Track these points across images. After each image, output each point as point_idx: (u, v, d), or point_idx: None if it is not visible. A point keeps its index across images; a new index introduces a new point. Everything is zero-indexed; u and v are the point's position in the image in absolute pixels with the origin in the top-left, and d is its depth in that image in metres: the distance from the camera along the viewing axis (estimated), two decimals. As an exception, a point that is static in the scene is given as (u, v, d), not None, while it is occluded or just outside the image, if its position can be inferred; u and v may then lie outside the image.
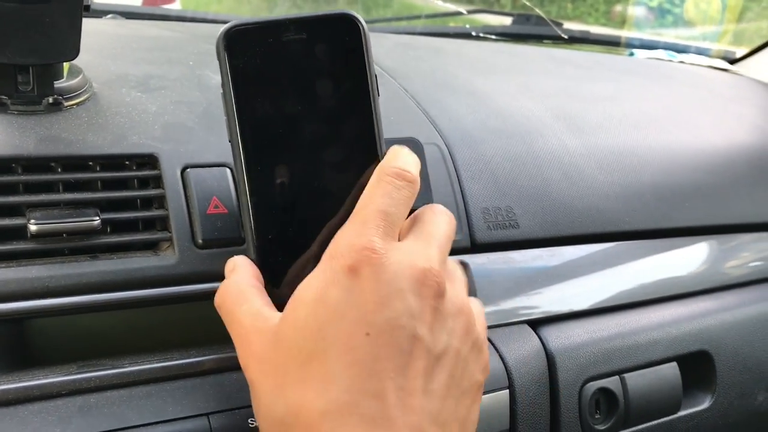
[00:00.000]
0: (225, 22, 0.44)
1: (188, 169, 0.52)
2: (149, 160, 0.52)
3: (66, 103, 0.52)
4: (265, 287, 0.41)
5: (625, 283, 0.66)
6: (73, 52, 0.48)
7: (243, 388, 0.45)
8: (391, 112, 0.65)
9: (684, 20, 1.48)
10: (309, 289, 0.37)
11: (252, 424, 0.44)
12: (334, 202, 0.41)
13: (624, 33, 1.22)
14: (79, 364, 0.46)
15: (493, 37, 1.13)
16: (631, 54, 1.17)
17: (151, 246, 0.50)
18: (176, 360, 0.46)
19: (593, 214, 0.66)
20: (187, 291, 0.49)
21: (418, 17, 1.17)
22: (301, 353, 0.35)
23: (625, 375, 0.61)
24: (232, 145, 0.42)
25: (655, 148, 0.75)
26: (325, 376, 0.35)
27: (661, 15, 1.68)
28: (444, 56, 0.89)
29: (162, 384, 0.45)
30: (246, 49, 0.41)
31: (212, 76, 0.65)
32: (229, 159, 0.54)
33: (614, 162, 0.71)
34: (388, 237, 0.37)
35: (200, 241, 0.49)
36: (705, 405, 0.66)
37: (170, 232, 0.50)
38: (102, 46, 0.67)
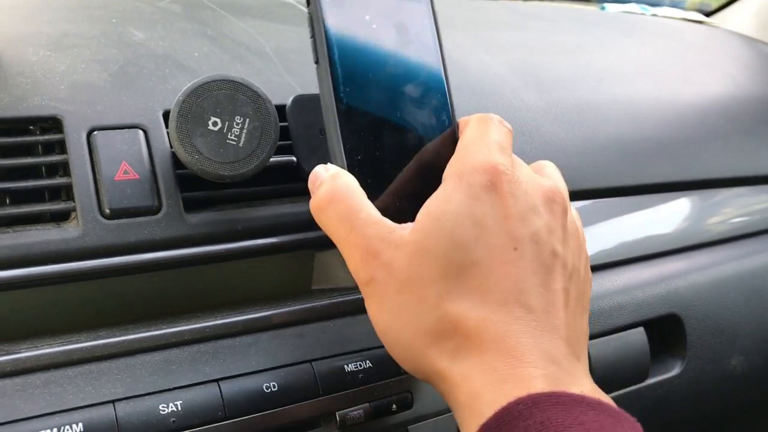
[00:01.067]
0: None
1: (95, 132, 0.47)
2: (53, 124, 0.47)
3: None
4: None
5: (589, 244, 0.62)
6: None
7: (172, 361, 0.40)
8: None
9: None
10: (448, 203, 0.37)
11: (163, 410, 0.40)
12: (417, 128, 0.44)
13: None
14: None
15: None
16: (603, 8, 1.12)
17: (57, 218, 0.45)
18: (79, 344, 0.42)
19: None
20: (93, 266, 0.44)
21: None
22: (451, 265, 0.35)
23: (589, 342, 0.56)
24: (319, 67, 0.42)
25: (621, 102, 0.71)
26: (480, 288, 0.35)
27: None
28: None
29: (62, 370, 0.41)
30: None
31: (134, 32, 0.59)
32: (141, 120, 0.49)
33: (575, 117, 0.67)
34: (510, 160, 0.39)
35: (107, 210, 0.45)
36: (675, 371, 0.63)
37: (74, 202, 0.45)
38: (17, 4, 0.61)
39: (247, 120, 0.46)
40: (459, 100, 0.62)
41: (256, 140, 0.46)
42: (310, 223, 0.43)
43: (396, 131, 0.43)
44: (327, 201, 0.39)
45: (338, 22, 0.43)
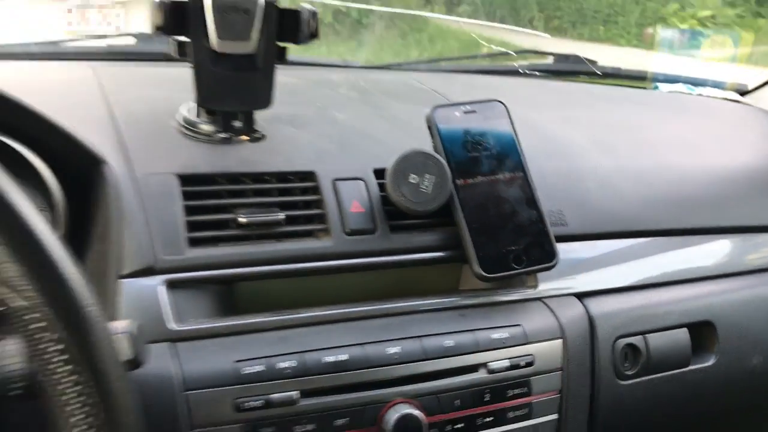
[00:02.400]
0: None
1: (337, 181, 0.75)
2: (310, 176, 0.75)
3: (254, 136, 0.75)
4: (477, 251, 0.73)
5: (648, 268, 0.87)
6: (269, 102, 0.71)
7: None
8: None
9: (708, 45, 1.67)
10: None
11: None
12: (508, 199, 0.76)
13: (651, 68, 1.42)
14: (270, 312, 0.69)
15: (538, 74, 1.35)
16: (656, 87, 1.38)
17: (313, 234, 0.73)
18: (333, 310, 0.69)
19: (622, 216, 0.88)
20: (340, 264, 0.71)
21: (474, 57, 1.39)
22: None
23: (647, 335, 0.81)
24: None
25: (671, 166, 0.97)
26: None
27: (691, 37, 1.87)
28: (502, 93, 1.11)
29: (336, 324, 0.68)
30: (445, 117, 0.78)
31: (336, 114, 0.88)
32: (361, 175, 0.76)
33: (637, 176, 0.92)
34: None
35: (347, 230, 0.72)
36: (709, 363, 0.86)
37: (326, 224, 0.72)
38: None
39: (433, 177, 0.73)
40: (550, 163, 0.89)
41: (437, 189, 0.73)
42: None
43: (494, 201, 0.75)
44: None
45: (452, 145, 0.76)
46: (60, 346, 0.35)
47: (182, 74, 0.97)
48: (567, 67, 1.38)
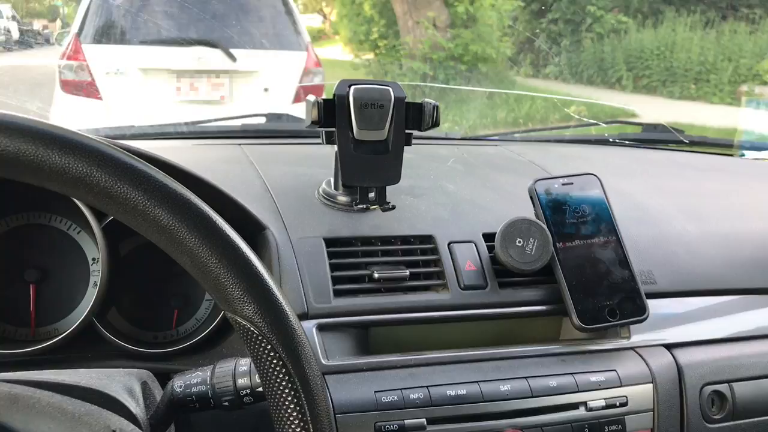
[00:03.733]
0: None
1: (452, 244, 0.88)
2: (429, 239, 0.89)
3: (386, 206, 0.90)
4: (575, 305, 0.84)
5: (732, 323, 0.95)
6: (397, 178, 0.87)
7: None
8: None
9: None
10: None
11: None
12: (602, 260, 0.88)
13: (737, 138, 1.51)
14: (400, 353, 0.82)
15: (627, 143, 1.46)
16: (742, 155, 1.46)
17: (434, 288, 0.86)
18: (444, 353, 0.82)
19: (708, 276, 0.97)
20: (457, 315, 0.84)
21: (566, 127, 1.52)
22: None
23: (733, 383, 0.89)
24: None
25: (754, 231, 1.05)
26: None
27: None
28: (594, 163, 1.23)
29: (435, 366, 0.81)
30: (545, 188, 0.91)
31: (448, 185, 1.03)
32: (472, 238, 0.90)
33: (723, 240, 1.02)
34: None
35: (463, 285, 0.85)
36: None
37: (445, 280, 0.86)
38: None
39: (536, 240, 0.86)
40: (641, 228, 1.00)
41: (540, 251, 0.86)
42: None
43: (590, 262, 0.87)
44: None
45: (552, 214, 0.89)
46: (281, 363, 0.50)
47: (315, 152, 1.15)
48: (655, 136, 1.49)
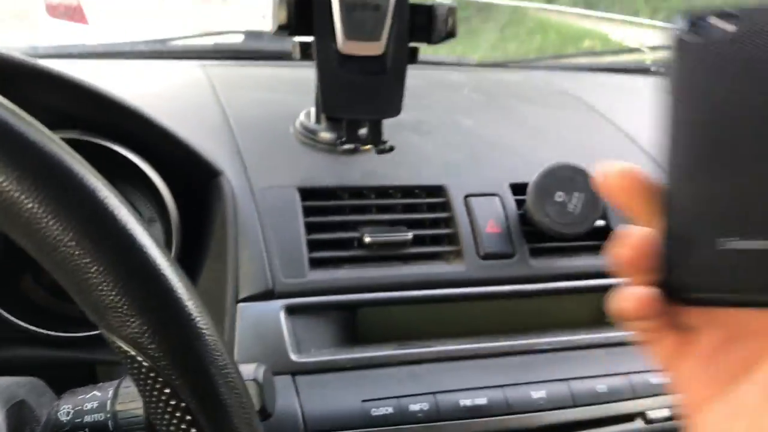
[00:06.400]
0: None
1: (469, 197, 0.67)
2: (438, 191, 0.67)
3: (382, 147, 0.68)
4: None
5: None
6: (398, 109, 0.64)
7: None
8: (615, 149, 0.78)
9: None
10: None
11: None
12: None
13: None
14: (397, 344, 0.62)
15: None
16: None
17: (444, 257, 0.65)
18: (471, 344, 0.61)
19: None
20: (474, 292, 0.63)
21: (602, 53, 1.28)
22: None
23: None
24: None
25: None
26: None
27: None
28: (639, 94, 0.99)
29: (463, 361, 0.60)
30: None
31: (463, 120, 0.80)
32: (496, 190, 0.68)
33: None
34: None
35: (483, 253, 0.64)
36: None
37: (459, 246, 0.64)
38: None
39: (583, 194, 0.64)
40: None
41: (587, 209, 0.64)
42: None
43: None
44: None
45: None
46: (187, 418, 0.29)
47: (297, 75, 0.91)
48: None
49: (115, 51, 1.08)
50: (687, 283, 0.29)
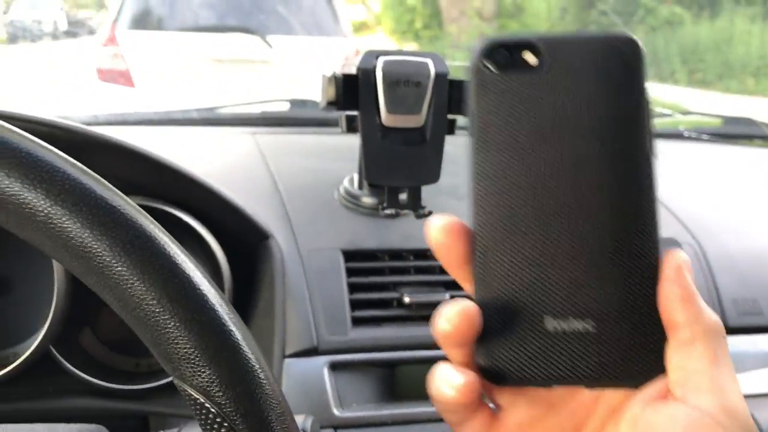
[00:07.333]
0: None
1: (504, 260, 0.70)
2: (475, 253, 0.71)
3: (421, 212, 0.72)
4: None
5: None
6: (436, 177, 0.68)
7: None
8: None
9: None
10: None
11: None
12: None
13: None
14: (434, 400, 0.64)
15: (705, 137, 1.24)
16: None
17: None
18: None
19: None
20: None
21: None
22: None
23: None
24: None
25: None
26: None
27: None
28: (667, 159, 1.02)
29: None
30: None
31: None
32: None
33: None
34: None
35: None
36: None
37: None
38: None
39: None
40: (748, 240, 0.79)
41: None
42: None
43: None
44: None
45: None
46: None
47: (340, 143, 0.97)
48: (739, 130, 1.27)
49: (168, 119, 1.15)
50: (503, 367, 0.27)
